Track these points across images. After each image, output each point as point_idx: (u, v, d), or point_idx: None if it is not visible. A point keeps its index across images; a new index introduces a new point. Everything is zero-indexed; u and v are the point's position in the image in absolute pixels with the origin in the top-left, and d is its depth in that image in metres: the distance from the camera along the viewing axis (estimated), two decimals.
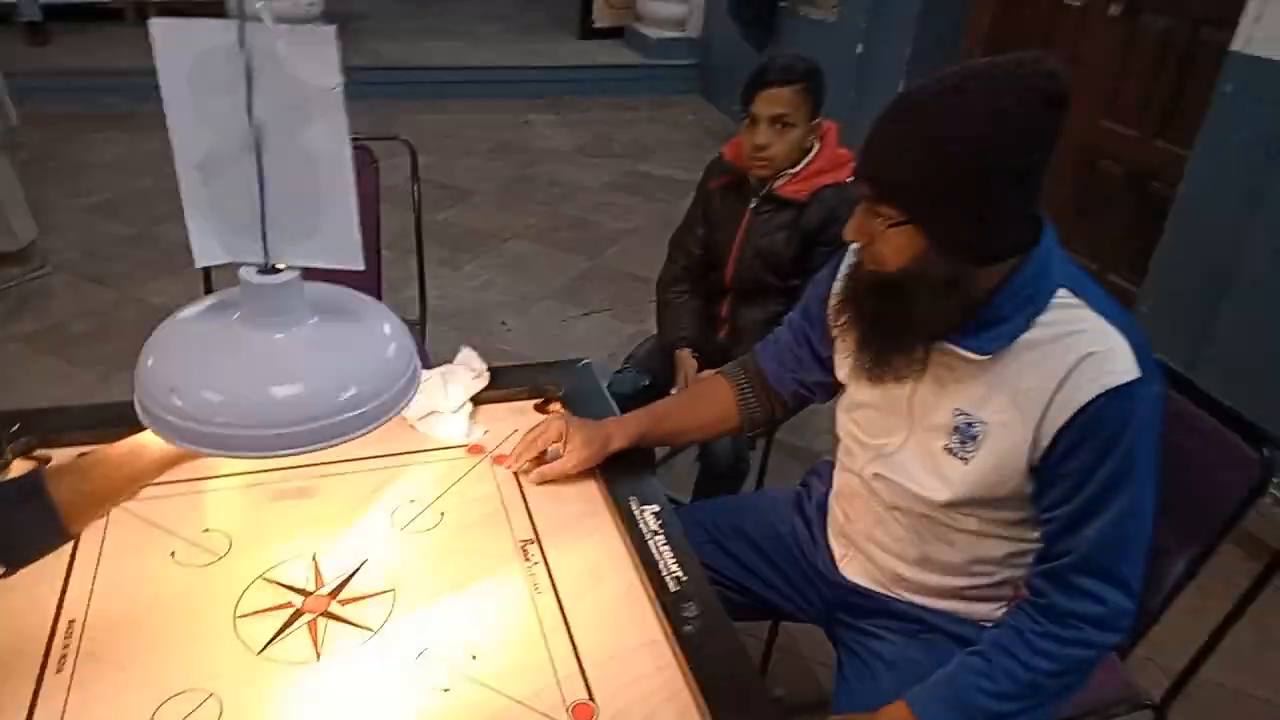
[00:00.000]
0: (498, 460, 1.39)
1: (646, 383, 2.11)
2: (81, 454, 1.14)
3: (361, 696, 1.00)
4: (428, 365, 1.55)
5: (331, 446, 0.81)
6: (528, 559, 1.20)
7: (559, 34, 6.98)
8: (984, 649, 1.16)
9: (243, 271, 0.82)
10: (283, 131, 0.78)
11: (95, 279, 3.46)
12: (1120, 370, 1.03)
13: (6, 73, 3.33)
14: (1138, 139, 3.29)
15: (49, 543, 0.94)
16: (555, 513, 1.29)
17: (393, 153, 2.15)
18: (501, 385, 1.52)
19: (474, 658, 1.05)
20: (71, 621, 1.06)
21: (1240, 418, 1.28)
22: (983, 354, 1.09)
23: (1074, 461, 1.07)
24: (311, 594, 1.12)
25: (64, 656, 1.01)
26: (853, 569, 1.37)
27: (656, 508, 1.28)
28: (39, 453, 1.29)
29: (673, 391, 2.03)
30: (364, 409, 0.82)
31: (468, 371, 1.50)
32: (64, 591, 1.10)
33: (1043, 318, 1.07)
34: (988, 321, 1.08)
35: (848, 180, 1.92)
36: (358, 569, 1.16)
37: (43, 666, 1.00)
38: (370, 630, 1.08)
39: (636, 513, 1.27)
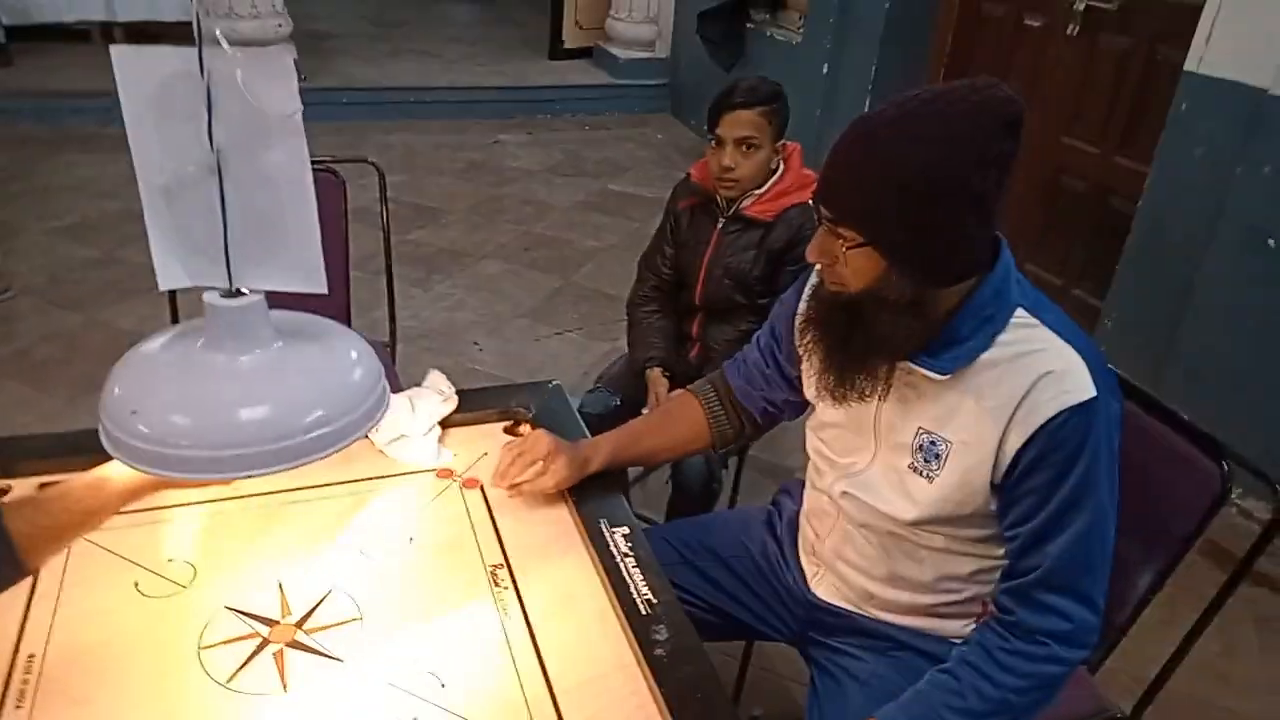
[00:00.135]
0: (467, 484, 1.38)
1: (617, 403, 2.11)
2: (42, 485, 1.12)
3: None
4: (398, 387, 1.55)
5: (296, 467, 0.81)
6: (497, 584, 1.20)
7: (529, 55, 7.00)
8: (953, 666, 1.17)
9: (207, 295, 0.83)
10: (243, 157, 0.78)
11: (61, 303, 3.41)
12: (1077, 389, 1.05)
13: None
14: (1099, 156, 3.35)
15: (7, 579, 0.92)
16: (525, 536, 1.28)
17: (363, 173, 2.15)
18: (470, 408, 1.52)
19: (443, 685, 1.04)
20: (31, 656, 1.04)
21: (1200, 431, 1.30)
22: (944, 373, 1.10)
23: (1035, 479, 1.09)
24: (278, 623, 1.11)
25: (23, 692, 0.99)
26: (824, 587, 1.38)
27: (627, 530, 1.28)
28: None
29: (644, 412, 2.04)
30: (329, 429, 0.82)
31: (436, 394, 1.49)
32: (23, 624, 1.07)
33: (1002, 337, 1.09)
34: (948, 341, 1.10)
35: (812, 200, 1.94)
36: (325, 597, 1.15)
37: (1, 701, 0.98)
38: (338, 659, 1.07)
39: (607, 535, 1.27)
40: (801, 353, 1.27)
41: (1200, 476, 1.28)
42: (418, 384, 1.53)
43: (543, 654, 1.09)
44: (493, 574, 1.21)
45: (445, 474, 1.40)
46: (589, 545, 1.26)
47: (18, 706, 0.97)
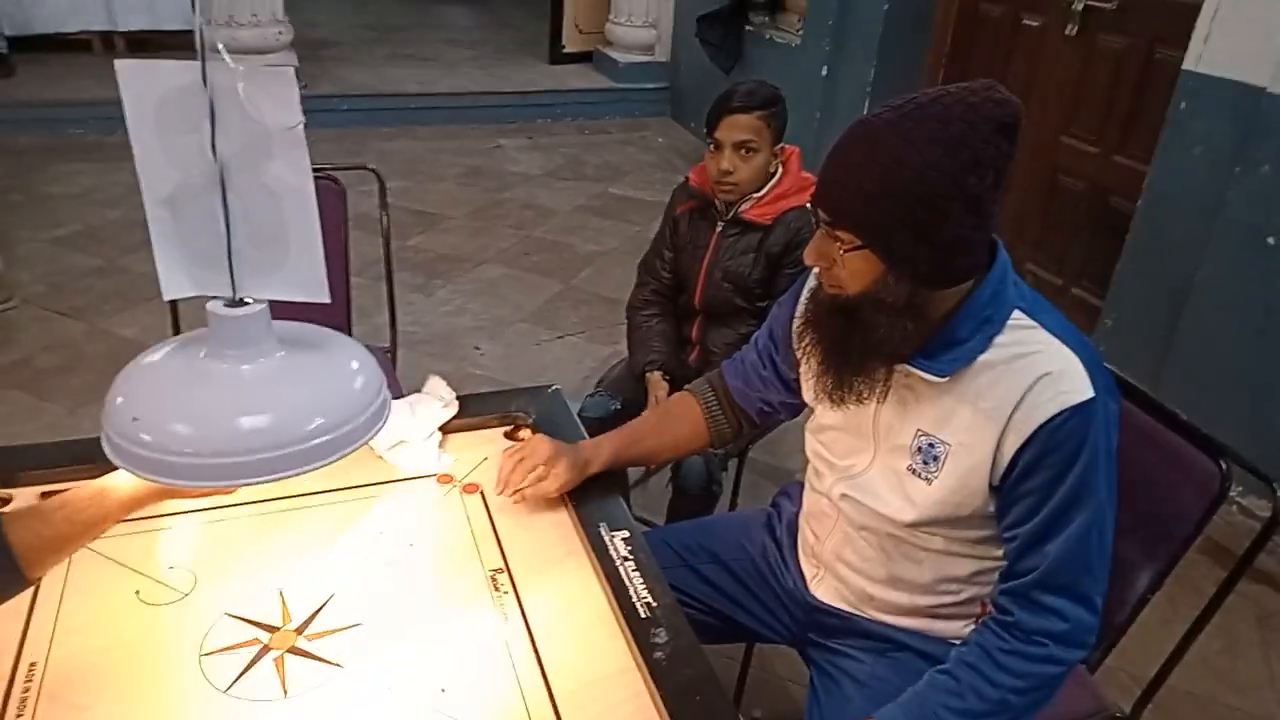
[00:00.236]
0: (467, 489, 1.39)
1: (618, 406, 2.11)
2: (44, 494, 1.13)
3: None
4: (399, 393, 1.55)
5: (297, 474, 0.81)
6: (497, 588, 1.20)
7: (529, 59, 7.02)
8: (952, 667, 1.17)
9: (210, 305, 0.83)
10: (246, 168, 0.79)
11: (63, 312, 3.42)
12: (1075, 390, 1.05)
13: None
14: (1098, 155, 3.35)
15: (8, 590, 0.93)
16: (525, 541, 1.29)
17: (363, 180, 2.16)
18: (470, 413, 1.52)
19: (443, 690, 1.05)
20: (33, 664, 1.04)
21: (1198, 431, 1.30)
22: (942, 376, 1.11)
23: (1033, 480, 1.09)
24: (278, 629, 1.11)
25: (24, 700, 1.00)
26: (823, 589, 1.38)
27: (626, 533, 1.29)
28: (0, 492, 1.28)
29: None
30: (332, 436, 0.83)
31: (436, 400, 1.50)
32: (25, 633, 1.08)
33: (999, 339, 1.10)
34: (946, 343, 1.10)
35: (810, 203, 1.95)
36: (325, 603, 1.16)
37: (2, 710, 0.98)
38: (338, 665, 1.07)
39: (606, 539, 1.27)
40: (799, 355, 1.28)
41: (1199, 476, 1.28)
42: (418, 389, 1.53)
43: (543, 658, 1.10)
44: (493, 579, 1.22)
45: (445, 479, 1.40)
46: (589, 549, 1.27)
47: (19, 715, 0.98)
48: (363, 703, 1.03)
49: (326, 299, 0.84)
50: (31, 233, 4.02)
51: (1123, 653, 1.44)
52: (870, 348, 1.11)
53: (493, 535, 1.30)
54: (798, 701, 2.00)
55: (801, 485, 1.44)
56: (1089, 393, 1.05)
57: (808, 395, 1.32)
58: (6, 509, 1.21)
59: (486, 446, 1.48)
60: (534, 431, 1.51)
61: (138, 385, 0.84)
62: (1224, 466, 1.25)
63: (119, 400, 0.83)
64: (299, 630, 1.11)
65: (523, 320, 3.62)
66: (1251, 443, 1.70)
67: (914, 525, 1.20)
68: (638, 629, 1.13)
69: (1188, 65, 2.71)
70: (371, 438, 0.88)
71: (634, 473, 2.45)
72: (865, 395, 1.16)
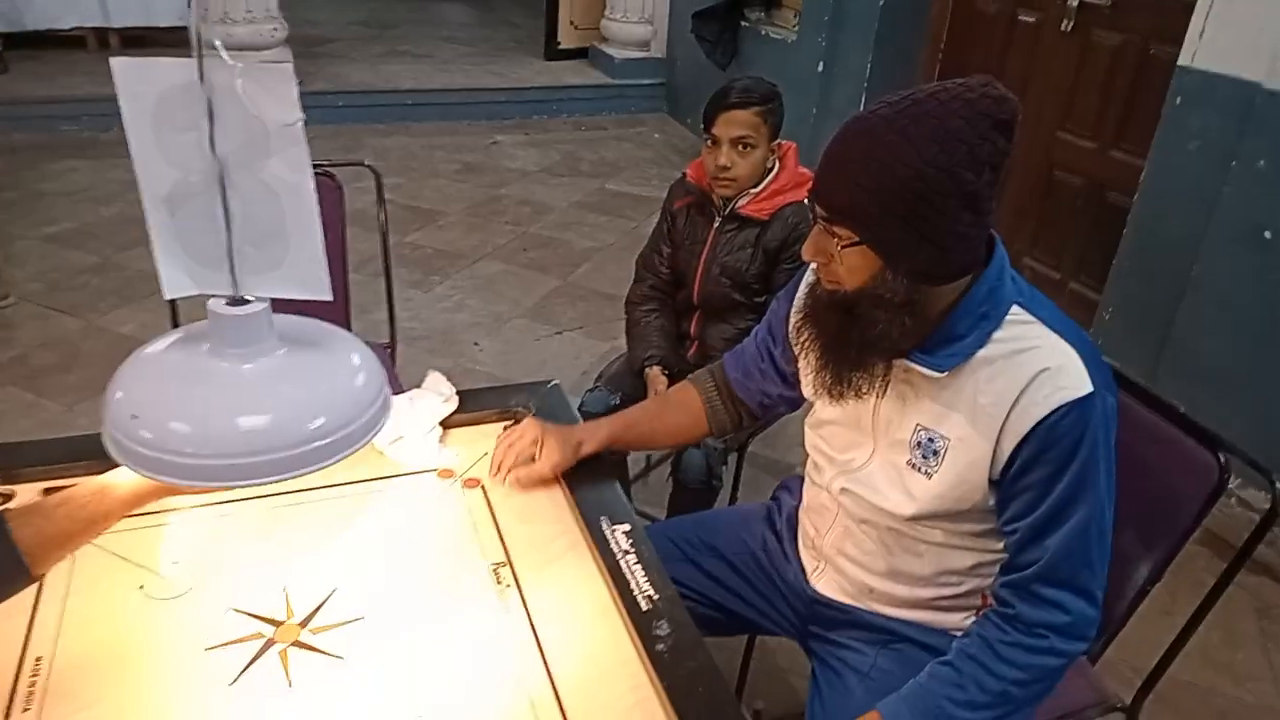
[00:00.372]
0: (468, 484, 1.39)
1: (617, 401, 2.11)
2: (46, 490, 1.13)
3: None
4: (399, 389, 1.55)
5: (300, 476, 0.82)
6: (499, 582, 1.21)
7: (524, 55, 7.00)
8: (953, 659, 1.17)
9: (211, 303, 0.83)
10: (245, 166, 0.79)
11: (59, 309, 3.42)
12: (1073, 385, 1.06)
13: None
14: (1094, 150, 3.36)
15: (13, 586, 0.93)
16: (526, 535, 1.29)
17: (360, 176, 2.16)
18: (470, 408, 1.52)
19: (446, 684, 1.05)
20: (38, 659, 1.05)
21: (1197, 424, 1.31)
22: (940, 371, 1.11)
23: (1033, 475, 1.10)
24: (282, 624, 1.12)
25: (31, 694, 1.00)
26: (824, 582, 1.39)
27: (627, 527, 1.29)
28: (1, 489, 1.27)
29: None
30: (333, 438, 0.83)
31: (436, 396, 1.50)
32: (30, 628, 1.08)
33: (997, 334, 1.10)
34: (944, 339, 1.11)
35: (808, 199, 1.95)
36: (328, 597, 1.16)
37: (9, 706, 0.99)
38: (341, 659, 1.08)
39: (607, 532, 1.28)
40: (798, 350, 1.28)
41: (1198, 469, 1.29)
42: (418, 385, 1.53)
43: (545, 651, 1.10)
44: (495, 572, 1.22)
45: (446, 474, 1.41)
46: (590, 543, 1.27)
47: (25, 709, 0.98)
48: (366, 696, 1.03)
49: (329, 296, 0.84)
50: (26, 230, 4.01)
51: (1123, 644, 1.45)
52: (868, 343, 1.11)
53: (494, 529, 1.30)
54: (799, 693, 2.01)
55: (801, 479, 1.45)
56: (1087, 388, 1.06)
57: (807, 390, 1.33)
58: (9, 505, 1.21)
59: (487, 442, 1.48)
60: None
61: (137, 382, 0.84)
62: (1222, 459, 1.26)
63: (118, 395, 0.82)
64: (302, 624, 1.12)
65: (521, 316, 3.62)
66: (1250, 435, 1.71)
67: (914, 519, 1.20)
68: (640, 621, 1.13)
69: (1183, 61, 2.72)
70: (374, 436, 0.88)
71: (635, 467, 2.46)
72: (864, 390, 1.16)
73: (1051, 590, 1.12)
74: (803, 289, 1.28)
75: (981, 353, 1.10)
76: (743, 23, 5.32)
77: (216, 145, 0.77)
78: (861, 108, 1.11)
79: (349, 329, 1.80)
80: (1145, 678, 1.43)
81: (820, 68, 4.59)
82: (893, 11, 4.22)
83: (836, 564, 1.35)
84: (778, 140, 1.97)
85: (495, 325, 3.54)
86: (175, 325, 1.99)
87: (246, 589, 1.16)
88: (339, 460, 0.84)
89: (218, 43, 0.73)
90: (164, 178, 0.80)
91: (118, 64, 0.76)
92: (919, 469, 1.17)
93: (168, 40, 5.73)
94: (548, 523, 1.33)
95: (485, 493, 1.37)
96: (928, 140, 0.99)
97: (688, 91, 6.05)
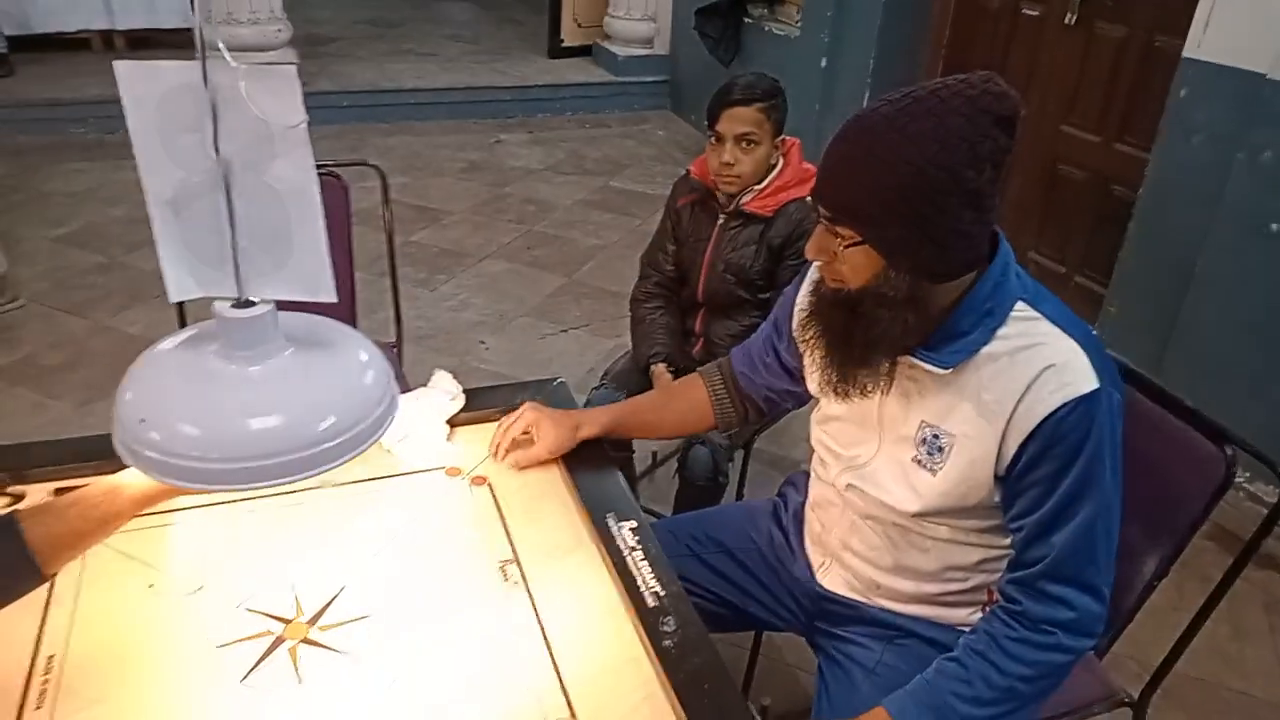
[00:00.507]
0: (475, 481, 1.39)
1: (622, 399, 2.11)
2: (57, 490, 1.14)
3: None
4: (405, 388, 1.56)
5: (311, 477, 0.82)
6: (507, 579, 1.21)
7: (528, 53, 7.00)
8: (960, 655, 1.18)
9: (216, 306, 0.83)
10: (250, 168, 0.79)
11: (67, 309, 3.43)
12: (1079, 381, 1.06)
13: None
14: (1099, 144, 3.35)
15: (24, 586, 0.94)
16: (533, 532, 1.30)
17: (365, 175, 2.17)
18: (477, 406, 1.53)
19: (454, 680, 1.06)
20: (50, 657, 1.05)
21: (1203, 417, 1.31)
22: (945, 367, 1.11)
23: (1039, 472, 1.09)
24: (291, 621, 1.12)
25: (43, 692, 1.01)
26: (830, 578, 1.39)
27: (634, 523, 1.30)
28: (12, 489, 1.28)
29: None
30: (343, 438, 0.83)
31: (443, 394, 1.51)
32: (42, 626, 1.09)
33: (1002, 330, 1.10)
34: (949, 335, 1.11)
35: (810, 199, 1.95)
36: (336, 595, 1.17)
37: (21, 704, 1.00)
38: (350, 656, 1.08)
39: (614, 529, 1.28)
40: (803, 348, 1.29)
41: (1204, 462, 1.28)
42: (424, 384, 1.54)
43: (553, 647, 1.11)
44: (502, 569, 1.23)
45: (453, 472, 1.41)
46: (597, 539, 1.28)
47: (37, 707, 0.99)
48: (376, 692, 1.04)
49: (333, 298, 0.84)
50: (34, 231, 4.02)
51: (1131, 639, 1.45)
52: (873, 341, 1.12)
53: (501, 527, 1.31)
54: (806, 689, 2.01)
55: (807, 475, 1.45)
56: (1093, 384, 1.06)
57: (812, 386, 1.33)
58: (21, 505, 1.22)
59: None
60: None
61: (147, 385, 0.84)
62: (1229, 452, 1.26)
63: (128, 398, 0.83)
64: (311, 622, 1.13)
65: (526, 315, 3.62)
66: (1257, 428, 1.71)
67: (919, 515, 1.20)
68: (647, 618, 1.14)
69: (1187, 52, 2.71)
70: (382, 434, 0.88)
71: (641, 464, 2.47)
72: (869, 389, 1.16)
73: (1058, 587, 1.12)
74: (807, 285, 1.28)
75: (986, 349, 1.10)
76: (745, 19, 5.31)
77: (220, 147, 0.77)
78: (865, 103, 1.11)
79: (355, 328, 1.80)
80: (1153, 673, 1.43)
81: (823, 63, 4.59)
82: (896, 6, 4.21)
83: (843, 560, 1.35)
84: (781, 136, 1.97)
85: (501, 324, 3.54)
86: (183, 325, 2.00)
87: (255, 587, 1.17)
88: (346, 462, 0.84)
89: (221, 44, 0.73)
90: (168, 180, 0.80)
91: (121, 67, 0.76)
92: (924, 465, 1.18)
93: (173, 41, 5.74)
94: (554, 520, 1.33)
95: (492, 490, 1.38)
96: (929, 139, 0.99)
97: (691, 88, 6.05)
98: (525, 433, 1.42)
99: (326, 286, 0.84)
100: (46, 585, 1.10)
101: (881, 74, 4.29)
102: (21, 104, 5.14)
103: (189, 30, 0.75)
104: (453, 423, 1.49)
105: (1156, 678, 1.43)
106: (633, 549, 1.25)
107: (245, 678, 1.05)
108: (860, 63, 4.39)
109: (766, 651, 1.94)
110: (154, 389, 0.84)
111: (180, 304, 2.01)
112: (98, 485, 0.96)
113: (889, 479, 1.22)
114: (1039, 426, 1.07)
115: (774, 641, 2.04)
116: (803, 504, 1.46)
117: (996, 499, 1.16)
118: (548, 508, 1.35)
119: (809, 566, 1.42)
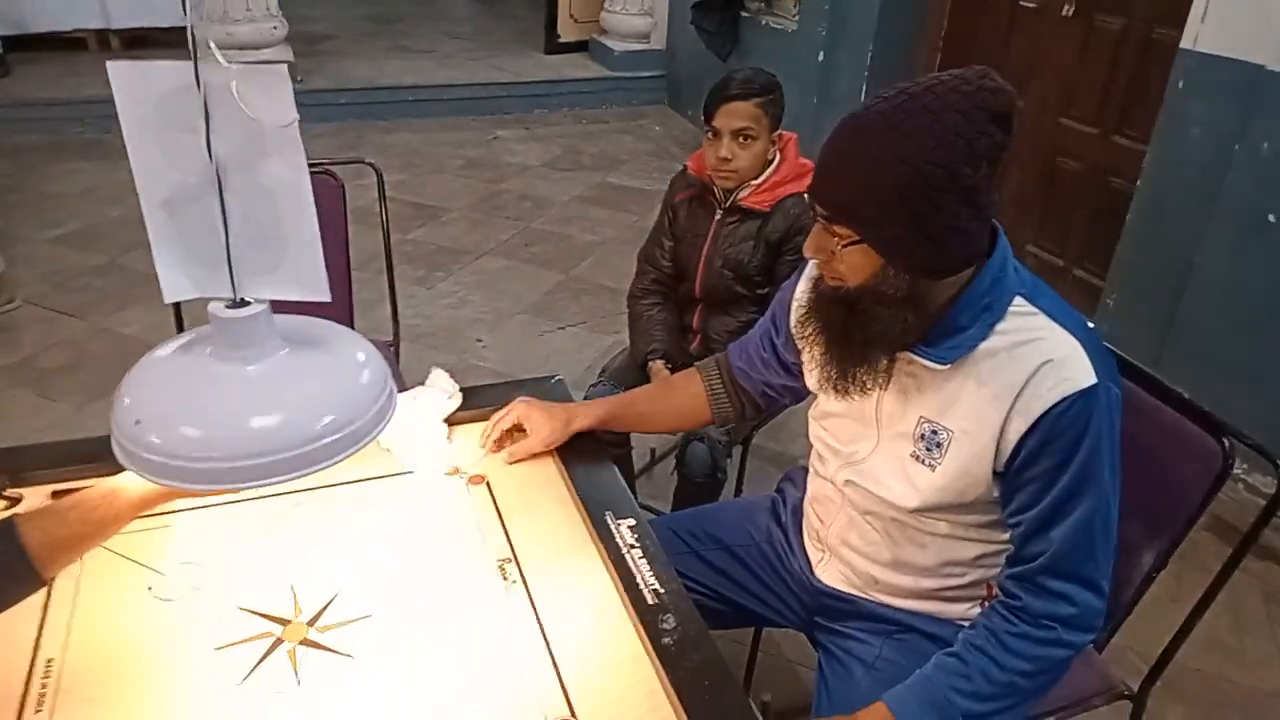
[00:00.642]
0: (473, 480, 1.39)
1: None
2: (55, 492, 1.14)
3: None
4: (403, 386, 1.56)
5: (309, 474, 0.82)
6: (505, 578, 1.21)
7: (524, 49, 6.99)
8: (960, 650, 1.18)
9: (212, 306, 0.83)
10: (242, 168, 0.79)
11: (65, 310, 3.43)
12: (1077, 376, 1.05)
13: None
14: (1097, 136, 3.35)
15: (23, 590, 0.93)
16: (532, 531, 1.30)
17: (362, 173, 2.16)
18: (475, 404, 1.53)
19: (453, 679, 1.06)
20: (50, 660, 1.05)
21: (1201, 409, 1.31)
22: (943, 363, 1.11)
23: (1037, 467, 1.09)
24: (290, 622, 1.12)
25: (43, 695, 1.01)
26: (829, 573, 1.39)
27: (632, 521, 1.29)
28: (10, 492, 1.28)
29: None
30: (340, 435, 0.83)
31: (440, 393, 1.50)
32: (41, 629, 1.09)
33: (1000, 326, 1.10)
34: (947, 331, 1.11)
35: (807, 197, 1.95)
36: (335, 595, 1.17)
37: (21, 707, 0.99)
38: (349, 656, 1.08)
39: (613, 527, 1.28)
40: (801, 344, 1.28)
41: (1202, 454, 1.29)
42: (422, 383, 1.54)
43: (552, 646, 1.11)
44: (501, 568, 1.23)
45: (452, 471, 1.41)
46: (595, 537, 1.27)
47: (37, 710, 0.99)
48: (375, 692, 1.04)
49: (327, 297, 0.84)
50: (31, 232, 4.02)
51: (1131, 631, 1.45)
52: (872, 339, 1.11)
53: (500, 525, 1.30)
54: (806, 685, 2.01)
55: (806, 471, 1.45)
56: (1091, 379, 1.05)
57: (811, 383, 1.33)
58: (19, 508, 1.22)
59: None
60: None
61: (144, 388, 0.84)
62: (1226, 444, 1.26)
63: (126, 401, 0.83)
64: (310, 623, 1.12)
65: (524, 312, 3.62)
66: (1255, 420, 1.71)
67: (918, 511, 1.20)
68: (646, 615, 1.13)
69: (1186, 44, 2.70)
70: (379, 432, 0.88)
71: (639, 461, 2.46)
72: (868, 386, 1.16)
73: (1057, 582, 1.12)
74: (805, 282, 1.28)
75: (984, 345, 1.10)
76: (743, 13, 5.31)
77: (213, 147, 0.77)
78: (862, 97, 1.11)
79: (352, 327, 1.80)
80: (1152, 665, 1.43)
81: (821, 58, 4.58)
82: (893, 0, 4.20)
83: (841, 555, 1.35)
84: (778, 131, 1.97)
85: (498, 321, 3.54)
86: (180, 325, 2.00)
87: (254, 588, 1.17)
88: (345, 458, 0.84)
89: (212, 44, 0.73)
90: (162, 181, 0.80)
91: (114, 68, 0.76)
92: (922, 461, 1.17)
93: (169, 41, 5.74)
94: (553, 518, 1.33)
95: (490, 489, 1.38)
96: (924, 136, 0.99)
97: (688, 83, 6.04)
98: (519, 428, 1.42)
99: (321, 285, 0.84)
100: (44, 589, 1.11)
101: (879, 68, 4.29)
102: (18, 104, 5.14)
103: (184, 29, 0.75)
104: (451, 421, 1.49)
105: (1156, 669, 1.43)
106: (631, 547, 1.25)
107: (244, 680, 1.04)
108: (858, 57, 4.39)
109: (766, 648, 1.94)
110: (150, 391, 0.84)
111: (178, 305, 2.01)
112: (97, 488, 0.96)
113: (887, 474, 1.22)
114: (1037, 422, 1.07)
115: (774, 637, 2.05)
116: (801, 500, 1.46)
117: (995, 494, 1.16)
118: (546, 506, 1.35)
119: (807, 562, 1.42)
